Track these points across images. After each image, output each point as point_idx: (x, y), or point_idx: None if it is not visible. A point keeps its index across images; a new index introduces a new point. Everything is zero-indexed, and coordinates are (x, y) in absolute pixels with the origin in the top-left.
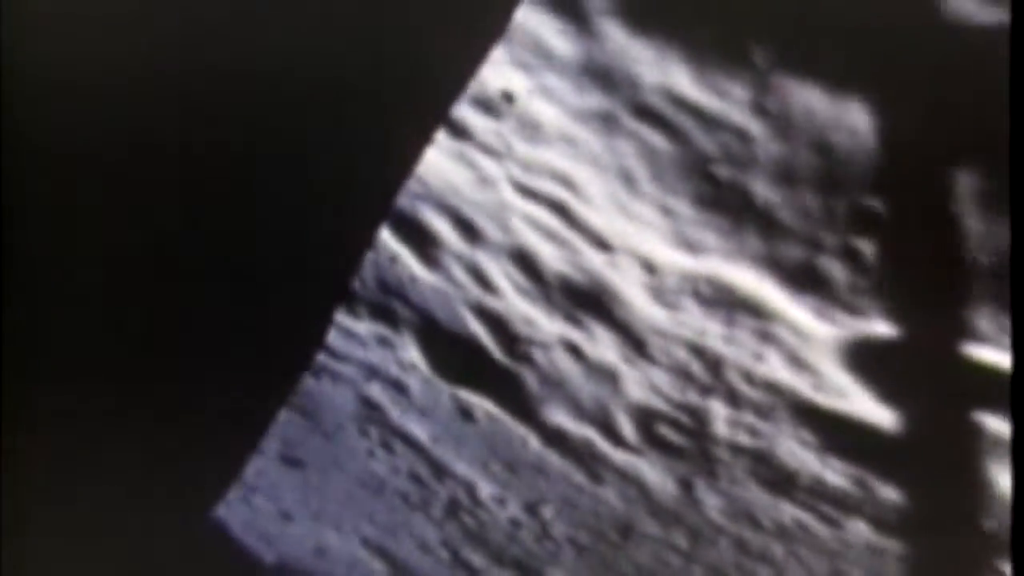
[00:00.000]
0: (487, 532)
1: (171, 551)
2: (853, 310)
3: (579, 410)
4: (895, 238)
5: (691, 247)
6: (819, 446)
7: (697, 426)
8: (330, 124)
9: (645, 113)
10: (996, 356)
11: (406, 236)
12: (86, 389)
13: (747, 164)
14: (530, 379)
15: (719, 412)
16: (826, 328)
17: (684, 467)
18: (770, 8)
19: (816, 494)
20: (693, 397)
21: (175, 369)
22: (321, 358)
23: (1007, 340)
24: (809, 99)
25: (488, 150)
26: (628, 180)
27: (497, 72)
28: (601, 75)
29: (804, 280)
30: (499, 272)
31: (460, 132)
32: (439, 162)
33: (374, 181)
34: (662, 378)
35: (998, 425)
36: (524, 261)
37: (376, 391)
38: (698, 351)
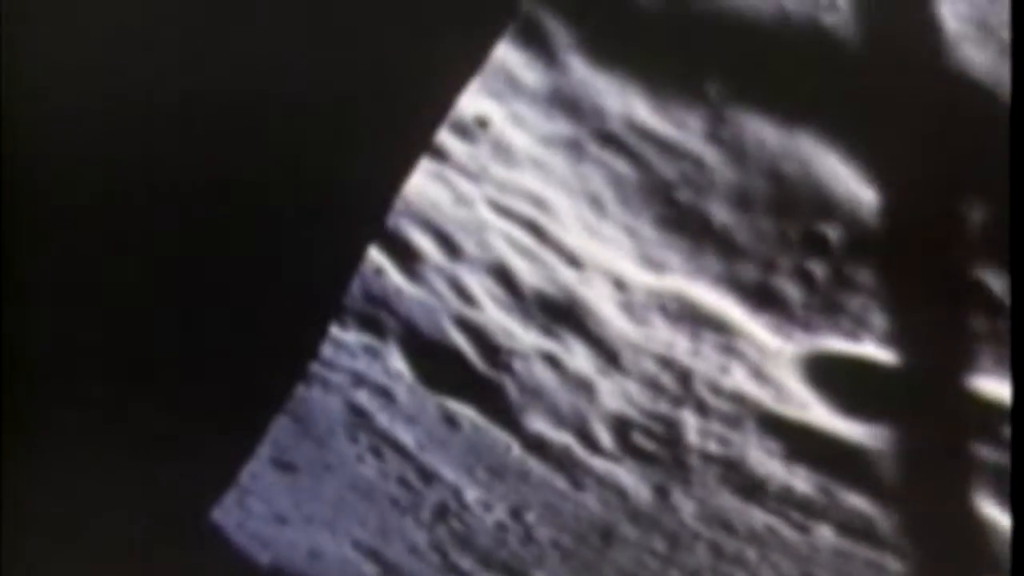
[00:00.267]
0: (474, 536)
1: (171, 551)
2: (807, 326)
3: (558, 418)
4: (844, 261)
5: (656, 266)
6: (785, 455)
7: (670, 435)
8: (327, 146)
9: (610, 140)
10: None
11: (391, 251)
12: (84, 393)
13: (705, 189)
14: (511, 388)
15: (690, 422)
16: (784, 344)
17: (660, 474)
18: (723, 46)
19: (785, 501)
20: (665, 407)
21: (175, 370)
22: (312, 366)
23: (971, 355)
24: (760, 130)
25: (465, 172)
26: (595, 203)
27: (471, 100)
28: (568, 105)
29: (761, 298)
30: (478, 286)
31: (439, 155)
32: (421, 182)
33: (365, 202)
34: (635, 389)
35: (977, 444)
36: (502, 276)
37: (364, 398)
38: (667, 363)
